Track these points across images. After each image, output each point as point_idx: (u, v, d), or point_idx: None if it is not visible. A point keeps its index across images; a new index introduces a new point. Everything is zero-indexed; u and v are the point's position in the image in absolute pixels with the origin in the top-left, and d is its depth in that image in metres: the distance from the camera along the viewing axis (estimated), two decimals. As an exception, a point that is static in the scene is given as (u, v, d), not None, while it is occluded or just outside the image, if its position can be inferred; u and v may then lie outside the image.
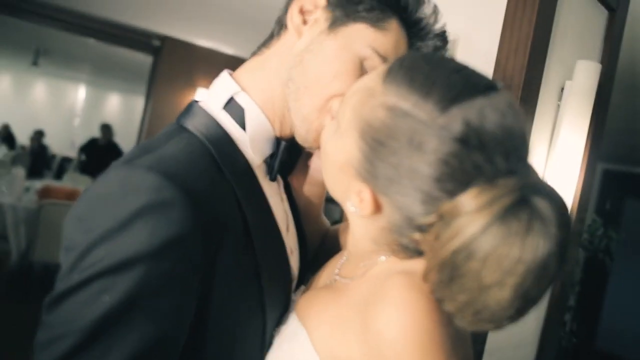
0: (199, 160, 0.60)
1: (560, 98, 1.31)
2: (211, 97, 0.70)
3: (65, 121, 10.59)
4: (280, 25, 0.71)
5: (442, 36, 0.73)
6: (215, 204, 0.58)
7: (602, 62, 1.42)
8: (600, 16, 1.41)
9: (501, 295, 0.49)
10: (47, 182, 5.63)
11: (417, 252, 0.59)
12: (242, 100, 0.69)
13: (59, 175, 7.64)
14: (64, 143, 9.60)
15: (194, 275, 0.55)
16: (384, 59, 0.67)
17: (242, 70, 0.73)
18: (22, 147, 8.70)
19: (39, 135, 8.42)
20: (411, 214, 0.56)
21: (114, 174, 0.55)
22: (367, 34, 0.67)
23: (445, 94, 0.53)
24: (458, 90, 0.53)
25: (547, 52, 1.16)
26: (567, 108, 1.27)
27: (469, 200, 0.50)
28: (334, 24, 0.67)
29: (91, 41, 4.66)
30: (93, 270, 0.51)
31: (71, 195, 4.65)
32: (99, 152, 6.57)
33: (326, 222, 0.96)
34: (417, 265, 0.57)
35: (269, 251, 0.65)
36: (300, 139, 0.72)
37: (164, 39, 4.21)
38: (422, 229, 0.55)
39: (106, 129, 7.91)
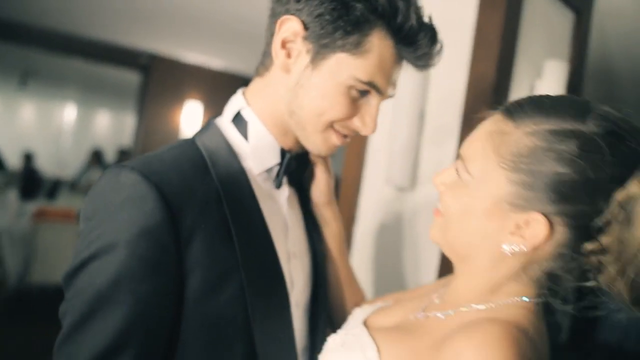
0: (185, 164, 0.69)
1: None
2: (225, 112, 0.80)
3: (56, 142, 10.57)
4: (269, 53, 0.75)
5: (432, 32, 0.72)
6: (190, 201, 0.65)
7: (571, 61, 1.49)
8: (566, 17, 1.48)
9: None
10: (41, 203, 5.64)
11: (559, 279, 0.63)
12: (246, 114, 0.77)
13: (51, 196, 7.64)
14: (55, 164, 9.59)
15: (168, 261, 0.63)
16: (368, 83, 0.71)
17: (250, 89, 0.80)
18: (13, 170, 8.68)
19: (29, 157, 8.42)
20: (588, 219, 0.57)
21: (108, 174, 0.66)
22: (348, 63, 0.69)
23: (576, 109, 0.60)
24: (581, 104, 0.61)
25: (515, 53, 1.22)
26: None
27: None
28: (316, 58, 0.70)
29: (79, 61, 4.70)
30: (88, 252, 0.61)
31: (66, 216, 4.67)
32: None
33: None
34: (524, 318, 0.60)
35: (252, 250, 0.70)
36: (314, 153, 0.79)
37: (152, 57, 4.26)
38: (599, 232, 0.57)
39: (96, 155, 7.95)
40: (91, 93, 9.22)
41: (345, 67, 0.70)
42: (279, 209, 0.80)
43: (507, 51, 1.18)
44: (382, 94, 0.74)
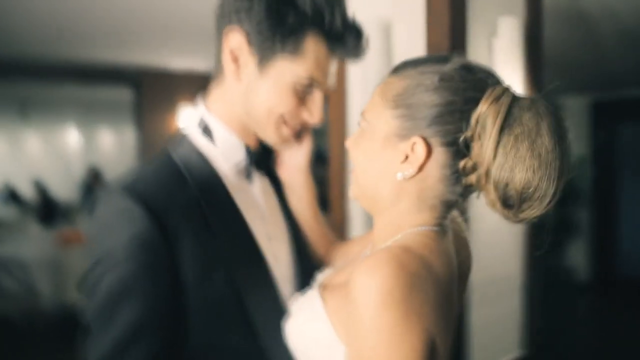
0: (164, 177, 0.82)
1: (490, 54, 1.47)
2: (190, 122, 0.90)
3: (63, 166, 10.77)
4: (220, 62, 0.86)
5: (357, 31, 0.84)
6: (175, 212, 0.77)
7: (527, 15, 1.57)
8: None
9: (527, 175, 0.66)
10: (61, 228, 5.83)
11: (453, 204, 0.75)
12: (210, 121, 0.88)
13: (68, 219, 7.84)
14: (65, 187, 9.79)
15: (162, 260, 0.75)
16: (309, 79, 0.82)
17: (209, 97, 0.90)
18: (27, 200, 8.90)
19: (39, 185, 8.63)
20: (456, 136, 0.70)
21: (100, 198, 0.79)
22: (289, 66, 0.80)
23: (438, 59, 0.76)
24: (443, 56, 0.77)
25: (465, 19, 1.32)
26: (498, 63, 1.43)
27: (488, 98, 0.69)
28: (260, 64, 0.81)
29: (73, 85, 4.83)
30: (96, 264, 0.75)
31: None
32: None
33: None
34: (416, 243, 0.70)
35: (231, 238, 0.83)
36: (272, 145, 0.91)
37: (141, 71, 4.38)
38: (467, 147, 0.70)
39: (94, 174, 8.15)
40: (90, 113, 9.35)
41: (287, 69, 0.81)
42: (252, 198, 0.92)
43: (457, 20, 1.28)
44: (321, 86, 0.85)
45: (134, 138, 4.87)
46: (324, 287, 0.83)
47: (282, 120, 0.85)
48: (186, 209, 0.79)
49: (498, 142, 0.68)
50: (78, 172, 9.73)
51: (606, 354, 4.01)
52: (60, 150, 11.04)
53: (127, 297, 0.73)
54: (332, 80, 0.87)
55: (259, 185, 0.94)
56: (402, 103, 0.73)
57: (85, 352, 0.75)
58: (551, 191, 0.68)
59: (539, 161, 0.66)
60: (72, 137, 11.04)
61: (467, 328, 1.43)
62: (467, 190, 0.75)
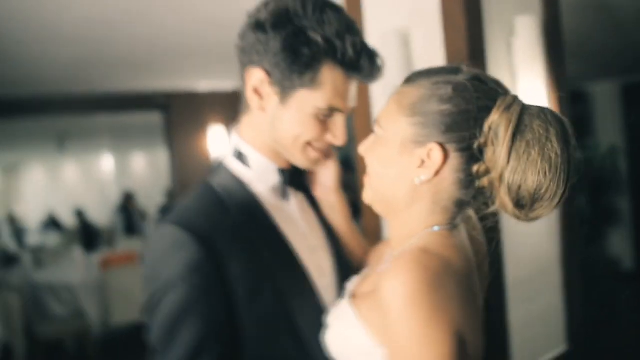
0: (208, 208, 0.89)
1: (510, 54, 1.49)
2: (227, 152, 0.97)
3: (100, 192, 11.13)
4: (246, 97, 0.93)
5: (370, 55, 0.88)
6: (221, 238, 0.84)
7: (544, 12, 1.58)
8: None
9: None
10: (104, 253, 6.03)
11: (465, 205, 0.80)
12: (244, 149, 0.95)
13: (109, 242, 8.09)
14: (103, 212, 10.10)
15: (214, 283, 0.82)
16: (329, 108, 0.87)
17: (241, 127, 0.97)
18: (70, 228, 9.24)
19: (80, 212, 8.95)
20: (470, 143, 0.75)
21: (155, 232, 0.88)
22: (309, 97, 0.86)
23: (450, 69, 0.81)
24: (454, 67, 0.82)
25: (482, 23, 1.34)
26: (519, 63, 1.45)
27: (500, 106, 0.74)
28: (282, 97, 0.87)
29: (105, 115, 5.03)
30: (156, 292, 0.83)
31: (129, 259, 5.03)
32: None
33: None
34: (433, 243, 0.76)
35: (274, 255, 0.89)
36: (302, 167, 0.97)
37: (169, 95, 4.53)
38: (481, 152, 0.76)
39: (128, 197, 8.42)
40: (123, 140, 9.66)
41: (307, 100, 0.86)
42: (290, 215, 0.98)
43: (474, 24, 1.30)
44: (342, 111, 0.90)
45: (165, 159, 5.03)
46: (354, 297, 0.88)
47: (308, 145, 0.91)
48: (230, 232, 0.86)
49: (511, 148, 0.73)
50: (114, 196, 10.06)
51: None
52: (97, 177, 11.43)
53: (186, 319, 0.80)
54: (352, 102, 0.92)
55: (295, 202, 1.00)
56: (418, 111, 0.78)
57: None
58: (560, 192, 0.73)
59: (549, 164, 0.71)
60: (107, 164, 11.42)
61: (507, 327, 1.44)
62: (479, 192, 0.79)
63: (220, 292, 0.83)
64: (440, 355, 0.67)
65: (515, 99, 0.76)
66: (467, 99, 0.76)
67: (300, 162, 0.93)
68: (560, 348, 1.65)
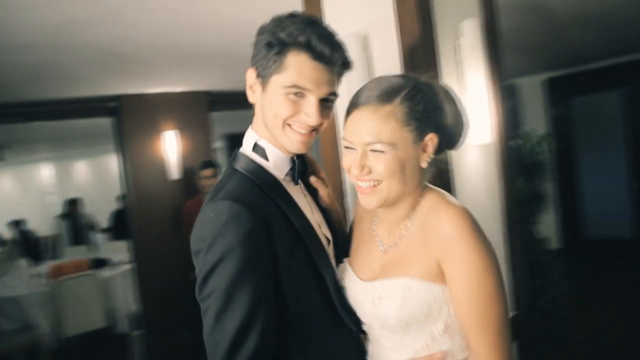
0: (248, 187, 1.05)
1: (457, 53, 1.66)
2: (245, 145, 1.13)
3: (40, 202, 10.62)
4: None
5: (332, 44, 1.01)
6: (264, 210, 1.00)
7: (485, 12, 1.76)
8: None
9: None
10: (49, 263, 5.81)
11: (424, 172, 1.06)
12: (261, 143, 1.11)
13: (55, 253, 7.78)
14: (46, 223, 9.66)
15: (267, 250, 0.97)
16: (294, 86, 1.01)
17: (254, 125, 1.13)
18: (11, 241, 8.78)
19: (17, 223, 8.53)
20: (439, 124, 1.03)
21: (208, 207, 1.00)
22: (278, 80, 1.02)
23: (405, 81, 1.04)
24: (407, 78, 1.06)
25: (433, 27, 1.50)
26: (465, 59, 1.62)
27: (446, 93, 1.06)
28: (263, 87, 1.05)
29: (47, 123, 4.85)
30: (213, 261, 0.94)
31: (78, 267, 4.89)
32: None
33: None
34: (438, 192, 1.07)
35: (303, 227, 1.07)
36: (292, 150, 1.10)
37: (120, 98, 4.44)
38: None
39: (72, 203, 8.12)
40: (64, 148, 9.27)
41: (277, 82, 1.02)
42: (303, 197, 1.15)
43: (425, 27, 1.46)
44: (311, 91, 1.02)
45: (114, 167, 4.84)
46: (386, 272, 1.06)
47: (288, 126, 1.05)
48: (269, 207, 1.01)
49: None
50: (57, 205, 9.62)
51: (585, 306, 4.47)
52: (37, 187, 10.89)
53: (244, 281, 0.93)
54: (323, 88, 1.03)
55: (302, 187, 1.18)
56: (413, 119, 1.00)
57: (206, 342, 0.95)
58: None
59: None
60: (47, 173, 10.90)
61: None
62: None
63: (269, 256, 0.97)
64: (498, 276, 0.96)
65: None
66: (433, 94, 1.03)
67: (286, 143, 1.07)
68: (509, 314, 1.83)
